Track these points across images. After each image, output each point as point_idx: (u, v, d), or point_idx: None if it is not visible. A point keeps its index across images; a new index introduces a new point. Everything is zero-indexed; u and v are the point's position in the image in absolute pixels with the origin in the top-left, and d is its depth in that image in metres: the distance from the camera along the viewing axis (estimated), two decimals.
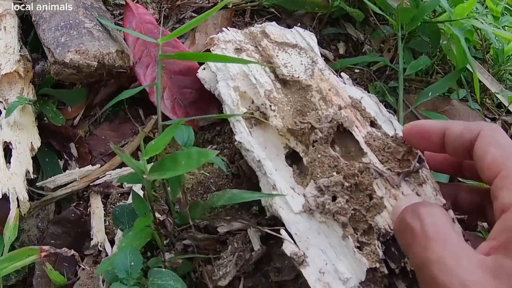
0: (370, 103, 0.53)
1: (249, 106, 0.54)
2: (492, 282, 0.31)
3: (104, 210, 0.62)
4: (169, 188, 0.49)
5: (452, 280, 0.31)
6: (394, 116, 0.52)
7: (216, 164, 0.49)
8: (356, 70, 0.79)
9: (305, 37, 0.63)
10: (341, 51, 0.80)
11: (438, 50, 0.82)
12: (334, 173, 0.47)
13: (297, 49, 0.60)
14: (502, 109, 0.82)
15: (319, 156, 0.49)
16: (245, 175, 0.58)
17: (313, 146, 0.50)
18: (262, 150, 0.52)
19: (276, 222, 0.55)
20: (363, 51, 0.84)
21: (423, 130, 0.43)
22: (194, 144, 0.47)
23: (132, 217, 0.52)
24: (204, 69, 0.64)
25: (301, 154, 0.51)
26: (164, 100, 0.67)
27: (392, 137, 0.49)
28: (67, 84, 0.73)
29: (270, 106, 0.53)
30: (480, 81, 0.78)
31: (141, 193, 0.59)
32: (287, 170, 0.51)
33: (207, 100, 0.67)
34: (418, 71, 0.77)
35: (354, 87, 0.56)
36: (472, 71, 0.70)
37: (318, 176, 0.47)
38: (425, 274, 0.33)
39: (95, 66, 0.61)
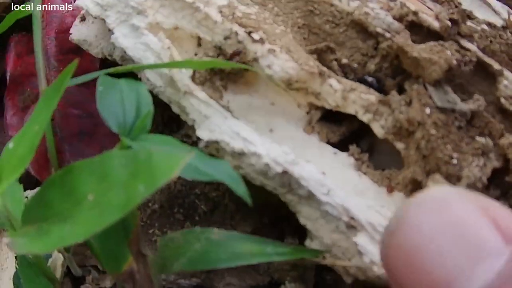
0: None
1: (195, 54, 0.26)
2: None
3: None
4: None
5: None
6: None
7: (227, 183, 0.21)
8: None
9: None
10: None
11: None
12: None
13: None
14: None
15: (427, 112, 0.23)
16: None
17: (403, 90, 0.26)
18: (269, 138, 0.24)
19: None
20: None
21: None
22: None
23: None
24: (82, 20, 0.34)
25: (363, 117, 0.25)
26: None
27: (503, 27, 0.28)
28: None
29: (250, 32, 0.25)
30: None
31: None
32: (339, 160, 0.24)
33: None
34: None
35: None
36: None
37: (455, 161, 0.23)
38: None
39: None
